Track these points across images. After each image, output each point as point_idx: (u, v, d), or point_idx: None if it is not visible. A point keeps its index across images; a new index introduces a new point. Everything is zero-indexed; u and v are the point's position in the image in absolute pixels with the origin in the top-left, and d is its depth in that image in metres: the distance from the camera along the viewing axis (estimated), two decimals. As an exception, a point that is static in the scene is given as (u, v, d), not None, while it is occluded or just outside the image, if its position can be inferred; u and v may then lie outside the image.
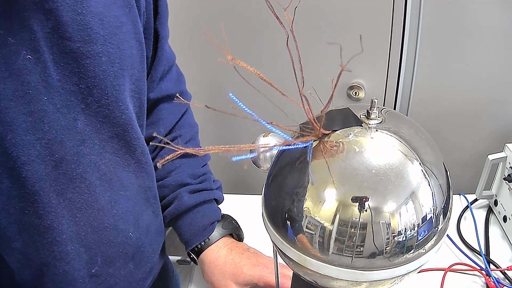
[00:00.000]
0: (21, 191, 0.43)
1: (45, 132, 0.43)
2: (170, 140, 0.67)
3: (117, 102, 0.48)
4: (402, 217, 0.31)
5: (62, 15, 0.41)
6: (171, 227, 0.69)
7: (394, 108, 1.04)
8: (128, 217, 0.54)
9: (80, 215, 0.48)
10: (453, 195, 0.36)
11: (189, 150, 0.27)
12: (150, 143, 0.62)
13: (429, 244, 0.33)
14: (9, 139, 0.40)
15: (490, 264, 0.72)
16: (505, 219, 0.78)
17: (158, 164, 0.28)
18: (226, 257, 0.64)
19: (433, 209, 0.33)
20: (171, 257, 0.77)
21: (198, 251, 0.66)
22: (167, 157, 0.28)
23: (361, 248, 0.31)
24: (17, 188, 0.43)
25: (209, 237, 0.65)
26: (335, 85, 0.30)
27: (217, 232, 0.66)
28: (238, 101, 0.29)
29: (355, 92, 1.00)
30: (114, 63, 0.46)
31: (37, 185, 0.43)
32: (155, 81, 0.63)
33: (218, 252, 0.65)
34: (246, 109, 0.30)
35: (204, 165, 0.70)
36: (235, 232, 0.68)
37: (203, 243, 0.65)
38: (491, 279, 0.68)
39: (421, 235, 0.32)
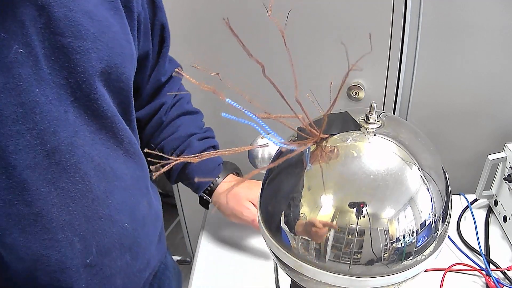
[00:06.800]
0: (9, 181, 0.44)
1: (36, 123, 0.44)
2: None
3: (105, 97, 0.49)
4: (400, 223, 0.31)
5: (54, 11, 0.42)
6: (170, 228, 0.70)
7: (394, 108, 1.03)
8: (123, 208, 0.55)
9: (74, 204, 0.49)
10: (452, 197, 0.36)
11: (183, 159, 0.27)
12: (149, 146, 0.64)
13: (428, 250, 0.33)
14: None
15: (490, 264, 0.71)
16: (505, 219, 0.77)
17: (153, 177, 0.29)
18: (237, 184, 0.67)
19: (432, 214, 0.32)
20: (170, 258, 0.77)
21: (211, 190, 0.72)
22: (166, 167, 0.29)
23: (359, 255, 0.31)
24: (6, 178, 0.44)
25: (218, 176, 0.73)
26: (341, 87, 0.29)
27: (223, 171, 0.74)
28: (237, 105, 0.29)
29: (355, 92, 0.99)
30: (102, 60, 0.47)
31: (24, 173, 0.44)
32: (166, 63, 0.67)
33: (229, 184, 0.71)
34: (246, 111, 0.29)
35: (202, 120, 0.78)
36: (235, 171, 0.76)
37: (213, 184, 0.72)
38: (491, 279, 0.67)
39: (420, 241, 0.32)
